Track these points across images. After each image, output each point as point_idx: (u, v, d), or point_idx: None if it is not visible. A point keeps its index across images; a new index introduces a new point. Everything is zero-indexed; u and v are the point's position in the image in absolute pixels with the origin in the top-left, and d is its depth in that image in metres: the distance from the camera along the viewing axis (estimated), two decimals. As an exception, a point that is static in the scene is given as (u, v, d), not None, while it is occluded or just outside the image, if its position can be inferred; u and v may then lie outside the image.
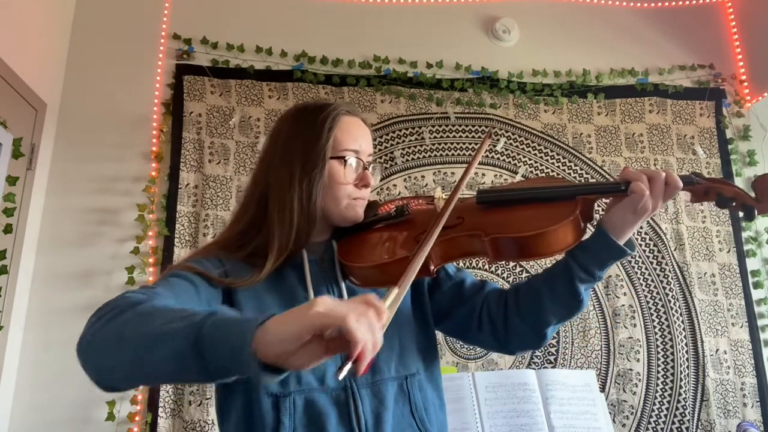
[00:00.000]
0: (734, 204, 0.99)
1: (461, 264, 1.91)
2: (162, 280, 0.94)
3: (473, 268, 2.57)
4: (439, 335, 2.00)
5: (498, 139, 2.75)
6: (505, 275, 2.59)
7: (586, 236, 1.01)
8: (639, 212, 0.96)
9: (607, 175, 2.75)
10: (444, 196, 1.09)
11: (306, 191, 1.02)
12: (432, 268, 1.01)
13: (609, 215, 1.00)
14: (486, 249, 0.98)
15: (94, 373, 0.76)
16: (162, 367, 0.71)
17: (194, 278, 0.94)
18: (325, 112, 1.07)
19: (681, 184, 0.96)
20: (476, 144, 2.74)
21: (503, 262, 2.55)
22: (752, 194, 0.99)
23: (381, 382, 1.00)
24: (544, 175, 2.73)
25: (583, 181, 2.73)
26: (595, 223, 1.05)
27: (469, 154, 2.73)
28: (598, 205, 1.10)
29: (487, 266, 2.58)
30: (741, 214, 0.99)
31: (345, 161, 1.06)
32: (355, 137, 1.08)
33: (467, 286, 1.16)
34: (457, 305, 1.14)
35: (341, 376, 0.62)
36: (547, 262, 2.13)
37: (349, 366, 0.62)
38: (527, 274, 2.58)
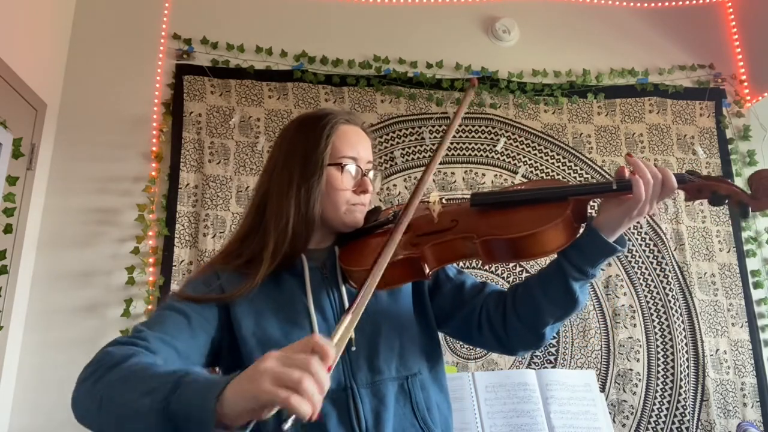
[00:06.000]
0: (728, 201, 0.98)
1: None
2: (156, 315, 0.99)
3: (473, 269, 2.57)
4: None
5: (498, 139, 2.75)
6: (505, 275, 2.60)
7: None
8: (635, 215, 0.96)
9: (607, 176, 2.75)
10: (438, 199, 1.10)
11: (304, 197, 1.04)
12: (427, 271, 1.01)
13: (602, 215, 0.99)
14: (478, 251, 0.99)
15: (84, 425, 0.84)
16: None
17: (186, 308, 0.98)
18: (324, 120, 1.10)
19: (676, 185, 0.96)
20: (476, 144, 2.74)
21: (502, 264, 2.56)
22: (748, 191, 0.98)
23: (381, 382, 1.00)
24: (543, 175, 2.73)
25: (583, 181, 2.73)
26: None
27: (470, 154, 2.73)
28: (592, 206, 1.10)
29: (488, 267, 2.58)
30: (737, 211, 0.98)
31: (343, 168, 1.07)
32: (352, 144, 1.10)
33: (467, 288, 1.16)
34: (458, 307, 1.14)
35: (286, 427, 0.66)
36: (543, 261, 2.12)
37: (292, 418, 0.66)
38: (527, 274, 2.58)
